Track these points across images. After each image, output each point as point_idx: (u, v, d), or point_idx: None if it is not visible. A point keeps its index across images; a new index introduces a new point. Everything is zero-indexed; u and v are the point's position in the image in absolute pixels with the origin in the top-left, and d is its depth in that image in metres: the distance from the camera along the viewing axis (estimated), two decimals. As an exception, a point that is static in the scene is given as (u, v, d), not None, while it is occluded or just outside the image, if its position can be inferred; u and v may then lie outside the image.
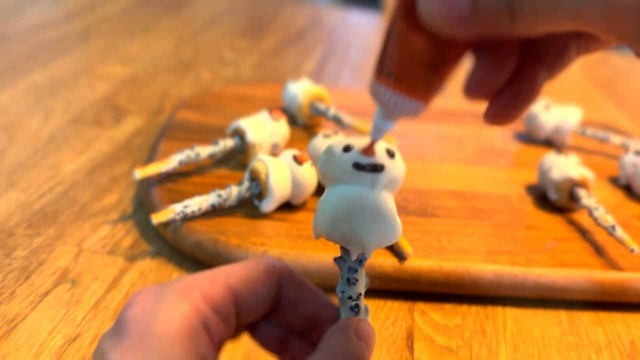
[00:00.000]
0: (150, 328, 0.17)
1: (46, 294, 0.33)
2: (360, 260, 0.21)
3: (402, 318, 0.34)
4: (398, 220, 0.21)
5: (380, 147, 0.20)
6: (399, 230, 0.21)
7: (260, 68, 0.72)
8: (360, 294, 0.22)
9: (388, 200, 0.21)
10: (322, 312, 0.22)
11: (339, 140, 0.21)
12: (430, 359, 0.31)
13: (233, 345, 0.31)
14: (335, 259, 0.22)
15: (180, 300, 0.18)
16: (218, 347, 0.19)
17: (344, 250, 0.22)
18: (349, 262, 0.22)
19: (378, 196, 0.20)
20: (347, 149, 0.20)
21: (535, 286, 0.35)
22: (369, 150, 0.20)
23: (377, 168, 0.20)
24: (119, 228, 0.39)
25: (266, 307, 0.21)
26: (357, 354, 0.20)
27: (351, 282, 0.22)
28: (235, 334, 0.21)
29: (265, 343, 0.23)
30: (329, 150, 0.21)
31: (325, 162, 0.21)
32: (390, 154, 0.20)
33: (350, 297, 0.22)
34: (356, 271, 0.22)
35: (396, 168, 0.20)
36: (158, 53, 0.73)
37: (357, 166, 0.20)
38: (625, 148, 0.51)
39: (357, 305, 0.22)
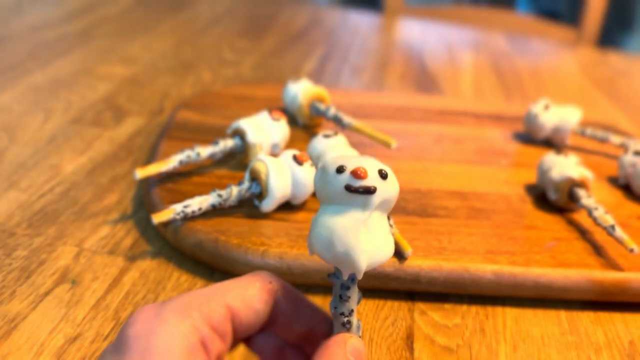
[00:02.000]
0: (151, 347, 0.18)
1: (46, 293, 0.33)
2: (353, 279, 0.22)
3: (402, 318, 0.34)
4: (390, 239, 0.22)
5: (373, 169, 0.20)
6: (390, 249, 0.22)
7: (260, 68, 0.72)
8: (352, 310, 0.22)
9: (380, 220, 0.21)
10: (317, 326, 0.23)
11: (334, 159, 0.21)
12: (430, 358, 0.31)
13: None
14: (329, 275, 0.22)
15: (179, 319, 0.19)
16: None
17: (337, 267, 0.22)
18: (342, 279, 0.22)
19: (370, 218, 0.21)
20: (340, 170, 0.20)
21: (535, 286, 0.35)
22: (360, 174, 0.20)
23: (369, 190, 0.20)
24: (119, 228, 0.39)
25: (262, 322, 0.22)
26: None
27: (343, 299, 0.22)
28: (231, 347, 0.21)
29: (262, 354, 0.23)
30: (323, 169, 0.21)
31: (319, 181, 0.21)
32: (383, 176, 0.20)
33: (342, 314, 0.22)
34: (348, 288, 0.22)
35: (388, 189, 0.21)
36: (158, 53, 0.73)
37: (349, 189, 0.20)
38: (624, 148, 0.51)
39: (349, 322, 0.22)
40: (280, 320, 0.22)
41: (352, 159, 0.21)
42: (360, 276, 0.21)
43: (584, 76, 0.83)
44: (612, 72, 0.88)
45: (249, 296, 0.21)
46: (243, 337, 0.22)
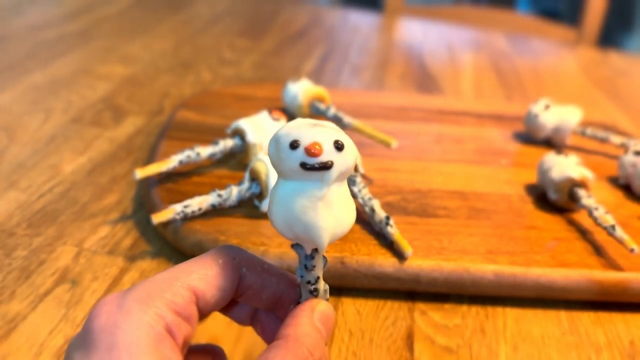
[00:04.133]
0: (116, 341, 0.18)
1: (46, 294, 0.33)
2: (316, 249, 0.22)
3: (402, 318, 0.34)
4: (351, 205, 0.21)
5: (328, 141, 0.20)
6: (352, 217, 0.21)
7: (260, 68, 0.72)
8: (318, 277, 0.23)
9: (339, 191, 0.21)
10: (284, 293, 0.23)
11: (286, 130, 0.20)
12: (430, 359, 0.31)
13: (233, 342, 0.31)
14: (292, 246, 0.22)
15: (143, 309, 0.19)
16: (183, 348, 0.20)
17: None
18: (305, 251, 0.22)
19: (328, 192, 0.20)
20: (293, 145, 0.20)
21: (535, 286, 0.35)
22: (315, 151, 0.19)
23: (326, 166, 0.20)
24: (119, 228, 0.39)
25: (228, 298, 0.22)
26: (313, 339, 0.21)
27: (308, 268, 0.22)
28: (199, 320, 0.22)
29: (236, 319, 0.24)
30: (277, 142, 0.20)
31: (274, 154, 0.21)
32: (339, 147, 0.20)
33: (309, 282, 0.22)
34: (313, 258, 0.22)
35: (346, 160, 0.20)
36: (158, 53, 0.73)
37: (305, 166, 0.19)
38: (625, 148, 0.51)
39: (315, 289, 0.23)
40: (248, 292, 0.22)
41: (306, 131, 0.20)
42: (322, 251, 0.21)
43: (584, 76, 0.83)
44: (613, 72, 0.88)
45: (212, 275, 0.21)
46: (211, 313, 0.22)
